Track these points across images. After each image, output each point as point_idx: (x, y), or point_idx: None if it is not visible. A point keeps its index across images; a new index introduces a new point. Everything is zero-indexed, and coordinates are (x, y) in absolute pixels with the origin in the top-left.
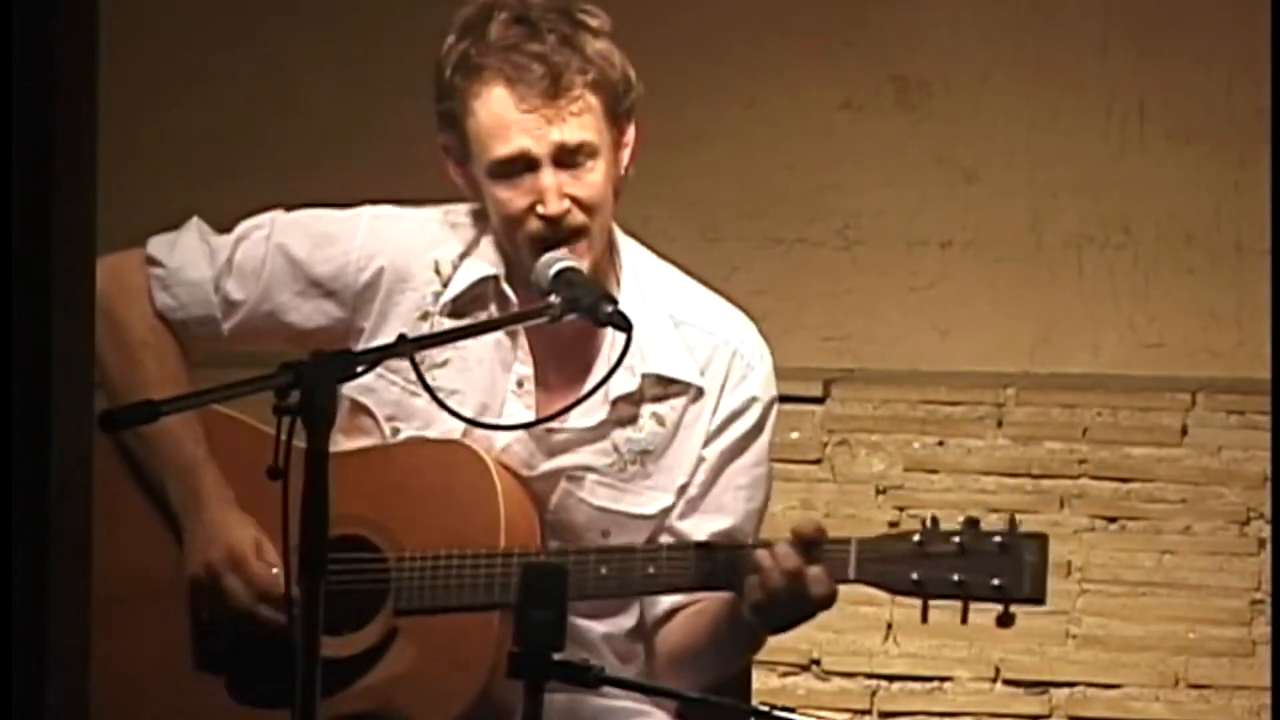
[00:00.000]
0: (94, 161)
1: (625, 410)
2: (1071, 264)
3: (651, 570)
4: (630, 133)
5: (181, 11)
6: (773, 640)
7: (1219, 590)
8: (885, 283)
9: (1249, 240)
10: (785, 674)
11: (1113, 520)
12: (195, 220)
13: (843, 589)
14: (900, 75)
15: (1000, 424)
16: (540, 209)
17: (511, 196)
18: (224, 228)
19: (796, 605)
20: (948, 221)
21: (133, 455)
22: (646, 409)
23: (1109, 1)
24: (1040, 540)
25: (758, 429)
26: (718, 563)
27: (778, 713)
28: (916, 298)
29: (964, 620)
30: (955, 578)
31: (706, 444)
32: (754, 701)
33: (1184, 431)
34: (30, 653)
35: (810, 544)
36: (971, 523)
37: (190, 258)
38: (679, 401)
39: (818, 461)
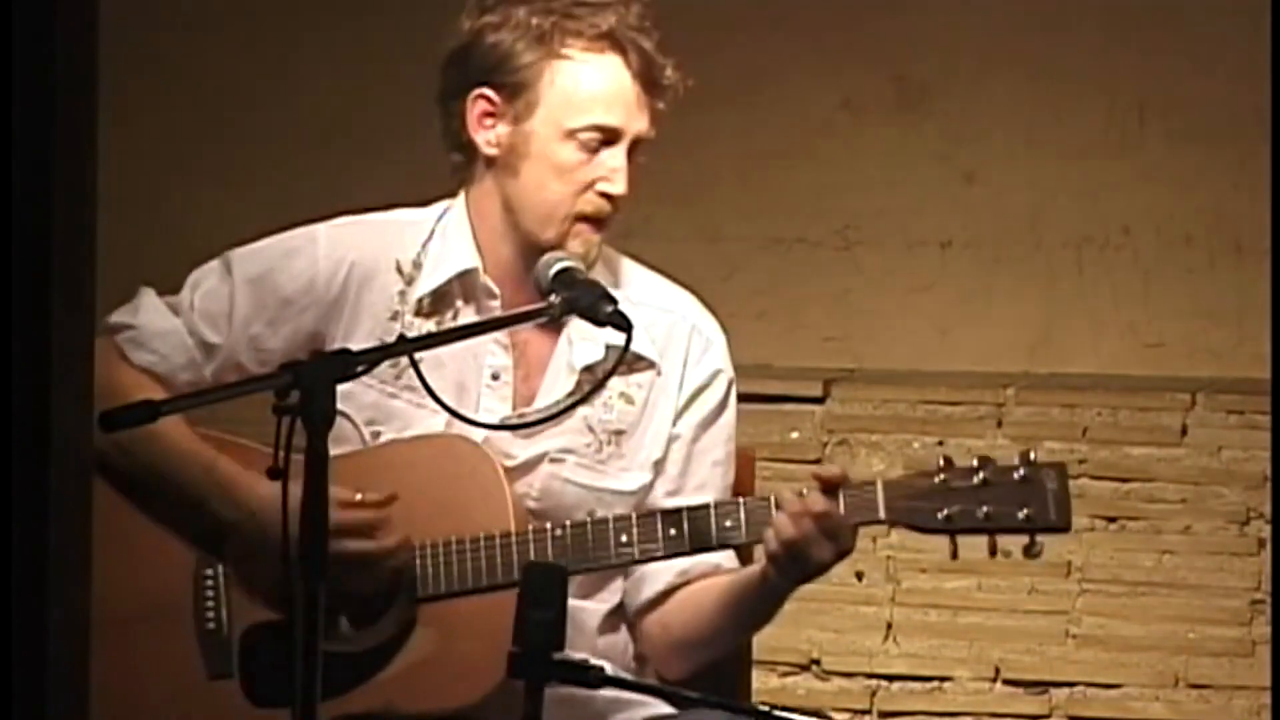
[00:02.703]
0: (94, 161)
1: (590, 383)
2: (1071, 264)
3: (674, 532)
4: None
5: (181, 11)
6: (773, 640)
7: (1219, 590)
8: (885, 283)
9: (1249, 240)
10: (785, 674)
11: (1113, 520)
12: (144, 288)
13: (842, 589)
14: (900, 75)
15: (1000, 424)
16: (606, 185)
17: (581, 167)
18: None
19: (821, 550)
20: (948, 221)
21: (133, 476)
22: (614, 387)
23: (1109, 1)
24: (1059, 468)
25: (724, 403)
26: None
27: (778, 713)
28: (916, 298)
29: (992, 553)
30: (983, 511)
31: (676, 420)
32: (754, 701)
33: (1184, 431)
34: (30, 654)
35: (834, 489)
36: (986, 460)
37: (155, 312)
38: (644, 378)
39: (818, 461)
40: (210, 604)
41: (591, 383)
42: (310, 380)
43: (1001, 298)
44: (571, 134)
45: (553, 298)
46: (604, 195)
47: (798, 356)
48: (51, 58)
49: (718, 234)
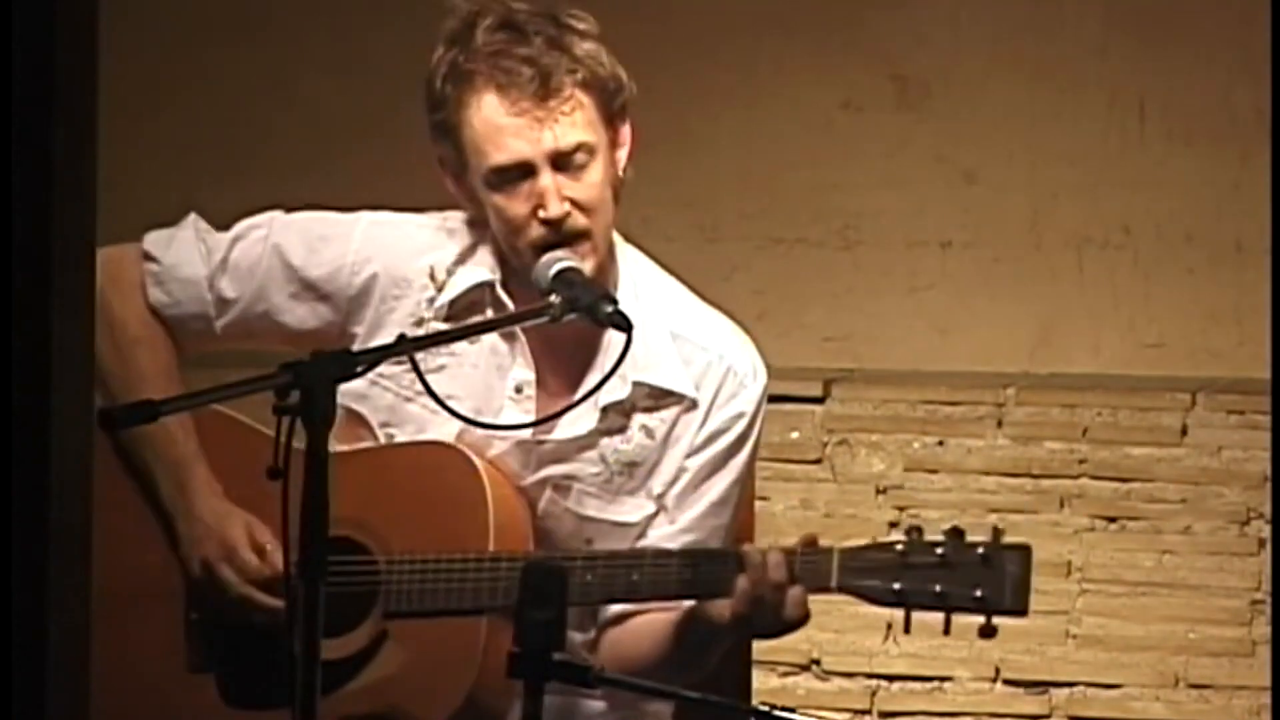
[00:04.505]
0: (94, 161)
1: (615, 420)
2: (1071, 264)
3: (635, 577)
4: (625, 133)
5: (181, 11)
6: (773, 640)
7: (1219, 590)
8: (885, 283)
9: (1249, 240)
10: (785, 674)
11: (1113, 520)
12: (193, 217)
13: None
14: (900, 75)
15: (1000, 424)
16: (541, 213)
17: (511, 204)
18: (223, 227)
19: (775, 618)
20: (948, 221)
21: (125, 451)
22: (636, 420)
23: (1109, 1)
24: (1023, 551)
25: (739, 444)
26: (700, 570)
27: (778, 713)
28: (916, 298)
29: (946, 631)
30: (937, 589)
31: (690, 456)
32: (754, 701)
33: (1184, 431)
34: (30, 654)
35: (792, 552)
36: (956, 532)
37: (186, 255)
38: (669, 413)
39: (818, 461)
40: (196, 596)
41: (620, 418)
42: (310, 380)
43: (1001, 298)
44: (487, 181)
45: (553, 298)
46: (545, 222)
47: (798, 356)
48: (51, 58)
49: (718, 234)
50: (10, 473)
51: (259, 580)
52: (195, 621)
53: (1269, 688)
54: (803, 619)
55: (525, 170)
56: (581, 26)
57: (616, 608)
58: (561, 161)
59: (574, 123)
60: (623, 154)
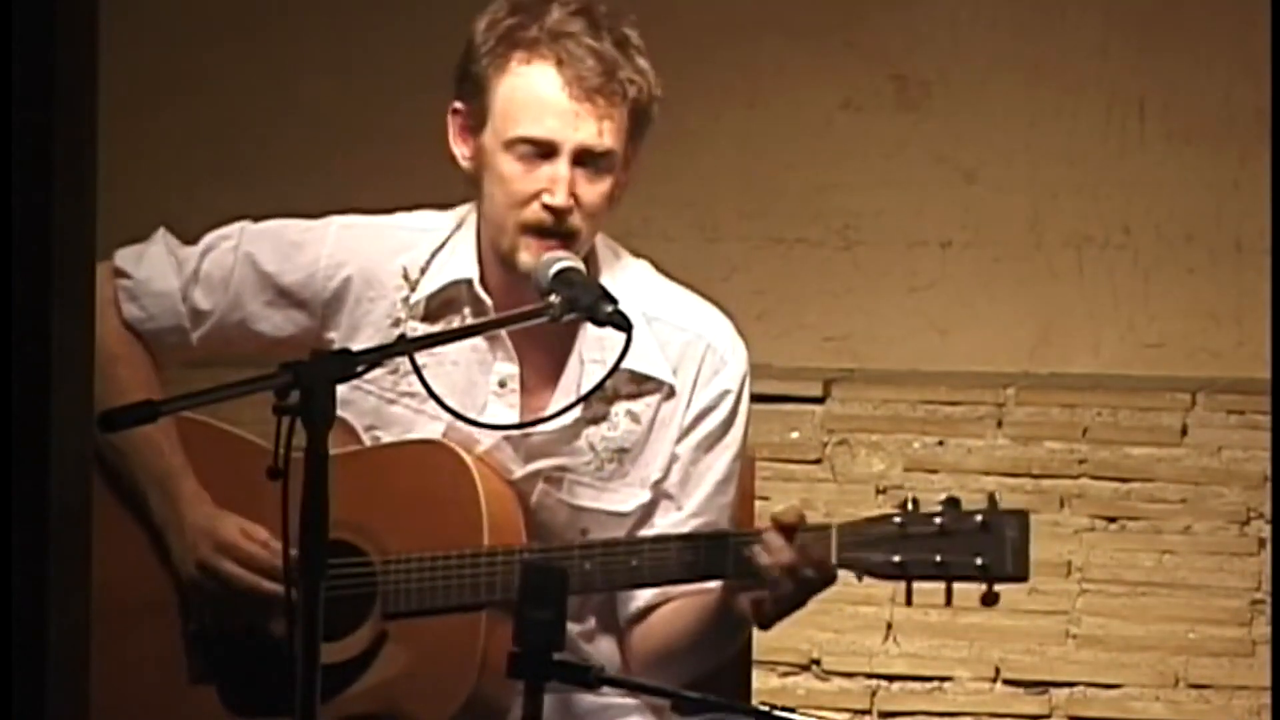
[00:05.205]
0: (94, 161)
1: (598, 408)
2: (1071, 264)
3: (635, 563)
4: (636, 159)
5: (181, 11)
6: (773, 640)
7: (1219, 590)
8: (885, 283)
9: (1249, 240)
10: (785, 674)
11: (1113, 520)
12: (161, 232)
13: (842, 589)
14: (900, 75)
15: (1000, 424)
16: (547, 197)
17: (521, 176)
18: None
19: (801, 592)
20: (948, 221)
21: (111, 467)
22: (620, 406)
23: (1109, 1)
24: (1020, 516)
25: (729, 422)
26: (701, 552)
27: (778, 713)
28: (916, 298)
29: (948, 601)
30: (937, 558)
31: (679, 440)
32: (754, 701)
33: (1184, 431)
34: (30, 654)
35: (791, 531)
36: (952, 502)
37: (158, 269)
38: (653, 399)
39: (818, 461)
40: (195, 605)
41: (603, 405)
42: (310, 380)
43: (1001, 298)
44: (508, 146)
45: (552, 298)
46: (546, 207)
47: (798, 356)
48: (51, 58)
49: (718, 234)
50: (10, 473)
51: (263, 568)
52: (194, 633)
53: (1269, 688)
54: (830, 575)
55: (549, 151)
56: (640, 44)
57: (638, 602)
58: (586, 159)
59: (612, 129)
60: (625, 175)
